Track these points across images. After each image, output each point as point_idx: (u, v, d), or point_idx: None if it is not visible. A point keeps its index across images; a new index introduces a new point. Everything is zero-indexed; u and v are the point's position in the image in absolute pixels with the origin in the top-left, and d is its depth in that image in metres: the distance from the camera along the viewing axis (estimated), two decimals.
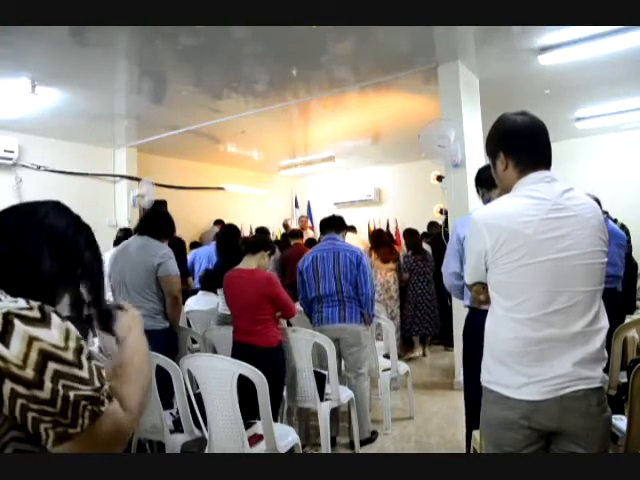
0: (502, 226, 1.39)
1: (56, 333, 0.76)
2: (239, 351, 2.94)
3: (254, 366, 2.40)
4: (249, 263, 3.11)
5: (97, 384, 0.79)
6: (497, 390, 1.41)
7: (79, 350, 0.78)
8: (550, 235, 1.36)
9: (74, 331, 0.80)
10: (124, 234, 5.05)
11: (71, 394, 0.74)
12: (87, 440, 0.77)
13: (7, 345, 0.71)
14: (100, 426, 0.78)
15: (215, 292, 4.22)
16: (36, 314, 0.76)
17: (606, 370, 3.11)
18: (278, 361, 2.99)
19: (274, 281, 3.03)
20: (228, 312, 3.68)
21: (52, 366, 0.73)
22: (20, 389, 0.71)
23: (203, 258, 5.45)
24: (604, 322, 1.41)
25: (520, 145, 1.47)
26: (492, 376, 1.44)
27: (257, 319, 2.96)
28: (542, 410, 1.35)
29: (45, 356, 0.73)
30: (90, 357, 0.81)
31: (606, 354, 1.41)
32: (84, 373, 0.77)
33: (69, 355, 0.76)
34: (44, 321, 0.76)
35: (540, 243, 1.35)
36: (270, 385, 2.50)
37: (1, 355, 0.71)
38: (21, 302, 0.78)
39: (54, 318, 0.77)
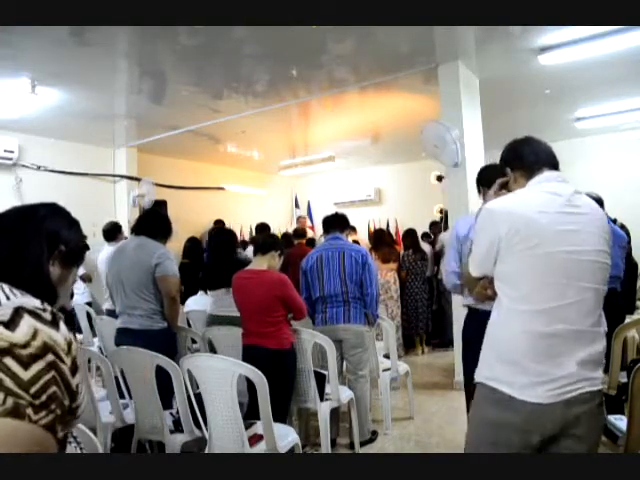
0: (518, 213, 1.41)
1: (61, 339, 0.76)
2: (250, 354, 2.86)
3: (267, 369, 2.39)
4: (259, 264, 3.04)
5: (43, 397, 0.71)
6: (499, 388, 1.38)
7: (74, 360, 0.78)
8: (564, 228, 1.38)
9: (74, 344, 0.80)
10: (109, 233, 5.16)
11: (51, 388, 0.72)
12: None
13: (13, 331, 0.72)
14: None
15: (206, 292, 4.19)
16: (48, 316, 0.77)
17: (606, 370, 3.11)
18: (290, 363, 2.95)
19: (286, 282, 2.95)
20: (220, 313, 3.68)
21: (49, 357, 0.73)
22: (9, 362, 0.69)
23: None
24: (605, 326, 1.43)
25: (521, 158, 1.59)
26: (493, 373, 1.41)
27: (269, 321, 2.90)
28: (547, 414, 1.34)
29: (46, 347, 0.73)
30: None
31: (604, 359, 1.44)
32: (75, 380, 0.77)
33: (67, 360, 0.76)
34: (54, 324, 0.76)
35: (554, 234, 1.37)
36: (281, 387, 2.49)
37: (6, 339, 0.71)
38: (37, 302, 0.79)
39: (62, 327, 0.78)
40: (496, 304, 1.47)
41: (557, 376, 1.33)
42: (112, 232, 5.08)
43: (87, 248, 1.13)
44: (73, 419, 0.80)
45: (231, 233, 4.19)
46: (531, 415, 1.34)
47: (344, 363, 3.54)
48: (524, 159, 1.57)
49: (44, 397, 0.72)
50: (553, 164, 1.55)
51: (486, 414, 1.44)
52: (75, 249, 1.05)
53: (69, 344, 0.77)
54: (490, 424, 1.42)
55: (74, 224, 1.07)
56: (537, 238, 1.37)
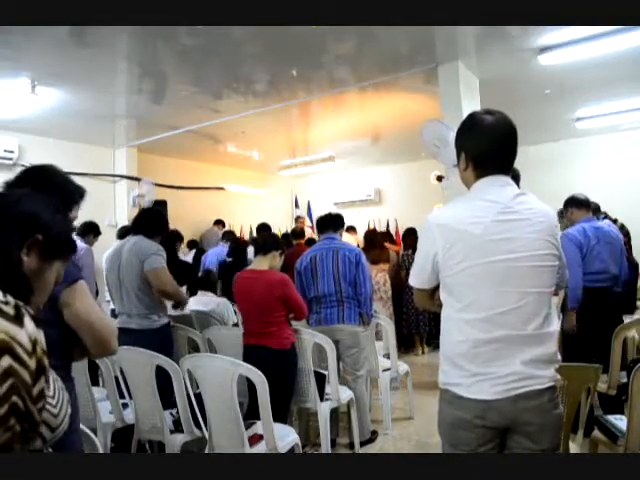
0: (453, 226, 1.42)
1: (25, 337, 0.66)
2: (251, 354, 2.86)
3: (267, 368, 2.39)
4: (261, 264, 3.03)
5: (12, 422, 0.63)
6: (451, 389, 1.44)
7: (42, 364, 0.68)
8: (499, 237, 1.38)
9: (42, 343, 0.70)
10: (123, 232, 5.05)
11: (12, 398, 0.62)
12: None
13: None
14: None
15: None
16: (10, 310, 0.66)
17: (606, 370, 3.11)
18: (291, 363, 2.95)
19: (287, 282, 2.96)
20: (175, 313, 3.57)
21: (6, 360, 0.62)
22: None
23: (212, 259, 5.78)
24: (555, 325, 1.44)
25: (480, 152, 1.48)
26: (446, 378, 1.47)
27: (270, 321, 2.90)
28: (495, 409, 1.37)
29: (3, 346, 0.62)
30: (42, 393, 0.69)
31: (559, 357, 1.45)
32: (37, 386, 0.67)
33: (31, 362, 0.66)
34: (17, 320, 0.66)
35: (488, 244, 1.38)
36: (282, 387, 2.47)
37: None
38: None
39: (27, 323, 0.68)
40: (443, 313, 1.49)
41: (502, 374, 1.36)
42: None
43: (74, 244, 1.02)
44: (37, 436, 0.71)
45: (169, 235, 4.01)
46: (480, 411, 1.38)
47: (341, 363, 3.53)
48: (483, 158, 1.47)
49: (3, 410, 0.61)
50: (506, 167, 1.47)
51: (444, 416, 1.49)
52: (57, 239, 0.95)
53: (34, 343, 0.67)
54: (448, 425, 1.47)
55: (59, 212, 0.98)
56: (472, 250, 1.39)
